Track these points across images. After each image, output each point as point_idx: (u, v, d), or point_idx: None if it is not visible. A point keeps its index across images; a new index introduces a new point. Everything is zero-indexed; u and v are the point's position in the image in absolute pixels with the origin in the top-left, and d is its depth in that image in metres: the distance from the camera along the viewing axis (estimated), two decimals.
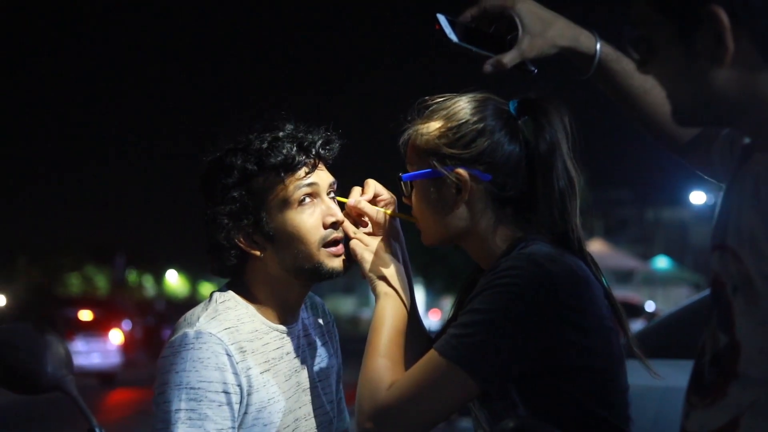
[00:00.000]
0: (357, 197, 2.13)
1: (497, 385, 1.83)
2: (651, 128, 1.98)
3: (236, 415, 2.05)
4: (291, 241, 2.12)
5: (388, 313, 1.98)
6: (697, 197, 31.96)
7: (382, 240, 2.08)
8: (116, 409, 14.04)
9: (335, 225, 2.15)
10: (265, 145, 2.13)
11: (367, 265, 2.04)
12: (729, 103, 1.55)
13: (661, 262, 39.52)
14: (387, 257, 2.05)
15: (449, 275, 21.58)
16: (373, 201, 2.14)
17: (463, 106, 1.98)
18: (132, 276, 61.87)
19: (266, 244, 2.14)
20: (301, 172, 2.14)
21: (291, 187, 2.12)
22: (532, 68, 1.96)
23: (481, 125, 1.95)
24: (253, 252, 2.15)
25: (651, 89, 1.93)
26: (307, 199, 2.14)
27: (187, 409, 2.00)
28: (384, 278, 2.03)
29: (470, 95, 2.00)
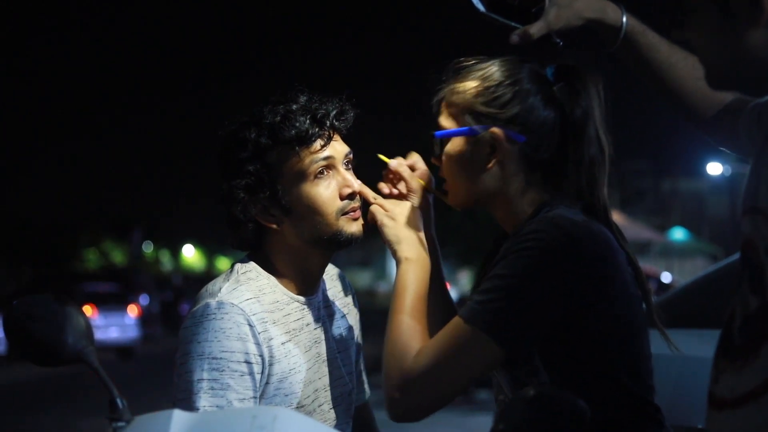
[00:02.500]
0: (400, 160, 2.13)
1: (522, 350, 1.83)
2: (675, 102, 1.98)
3: (258, 385, 2.06)
4: (308, 213, 2.12)
5: (410, 278, 1.98)
6: (714, 168, 31.83)
7: (405, 207, 2.07)
8: (134, 383, 14.15)
9: (352, 196, 2.15)
10: (278, 119, 2.12)
11: (388, 230, 2.03)
12: (765, 63, 1.55)
13: (678, 234, 39.39)
14: (408, 223, 2.04)
15: (464, 248, 21.54)
16: (411, 170, 2.13)
17: (499, 67, 1.97)
18: (149, 251, 62.09)
19: (283, 216, 2.14)
20: (317, 144, 2.13)
21: (306, 161, 2.12)
22: (558, 40, 1.95)
23: (518, 87, 1.94)
24: (270, 225, 2.15)
25: (676, 63, 1.93)
26: (324, 171, 2.14)
27: (209, 379, 2.01)
28: (404, 243, 2.02)
29: (506, 58, 1.99)
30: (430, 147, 2.03)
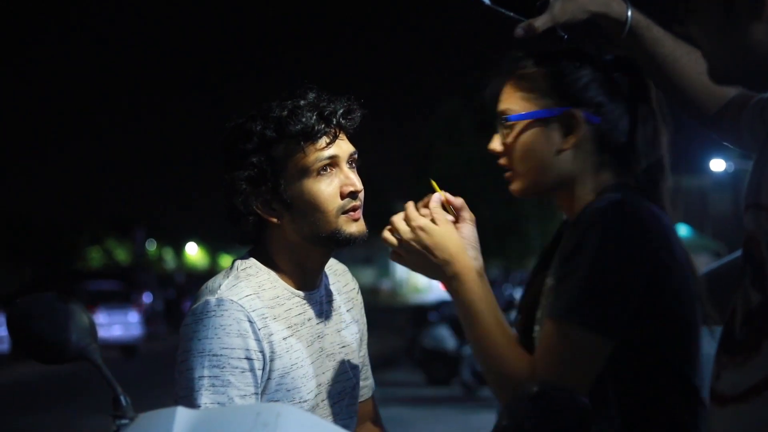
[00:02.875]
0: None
1: (620, 335, 1.81)
2: (679, 97, 1.98)
3: (259, 381, 2.06)
4: (308, 209, 2.12)
5: (476, 295, 1.92)
6: (717, 164, 31.78)
7: (446, 225, 1.98)
8: (138, 381, 14.16)
9: (353, 194, 2.15)
10: (285, 113, 2.12)
11: (431, 252, 1.94)
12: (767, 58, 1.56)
13: (681, 230, 39.38)
14: (450, 239, 1.96)
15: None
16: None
17: (564, 54, 1.98)
18: (152, 249, 62.15)
19: (283, 211, 2.14)
20: (322, 141, 2.13)
21: (311, 157, 2.12)
22: (563, 33, 1.96)
23: (588, 71, 1.96)
24: (270, 219, 2.15)
25: (680, 58, 1.93)
26: (327, 169, 2.14)
27: (210, 376, 2.01)
28: (451, 260, 1.94)
29: (568, 48, 2.00)
30: (496, 132, 2.01)
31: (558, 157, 1.96)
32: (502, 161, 2.03)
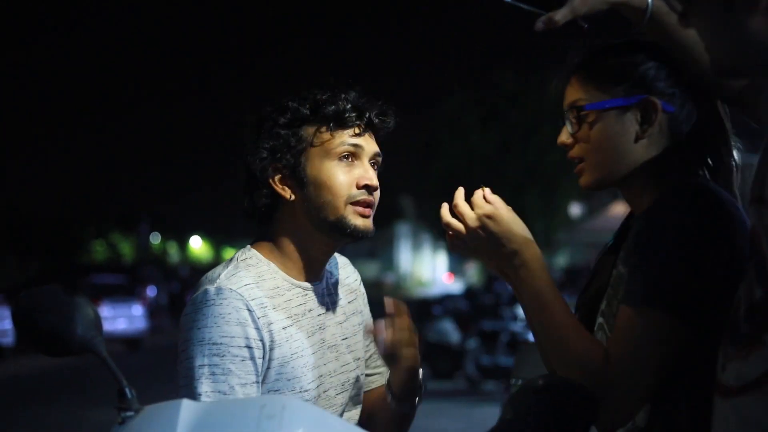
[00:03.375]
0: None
1: (700, 322, 1.78)
2: (703, 78, 1.98)
3: (259, 369, 2.08)
4: (321, 190, 2.15)
5: (546, 284, 1.91)
6: None
7: (512, 214, 1.98)
8: (142, 374, 14.18)
9: (368, 188, 2.17)
10: (324, 97, 2.18)
11: (500, 240, 1.93)
12: (767, 50, 1.56)
13: None
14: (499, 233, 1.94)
15: None
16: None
17: (631, 45, 1.98)
18: (156, 242, 62.20)
19: (297, 189, 2.17)
20: (350, 130, 2.18)
21: (336, 141, 2.16)
22: (583, 24, 1.95)
23: (656, 61, 1.95)
24: (283, 194, 2.17)
25: (702, 42, 1.93)
26: (348, 158, 2.17)
27: (210, 365, 2.03)
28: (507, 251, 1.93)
29: (630, 38, 2.00)
30: (563, 123, 1.99)
31: (634, 146, 1.94)
32: (573, 153, 2.00)
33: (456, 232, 1.96)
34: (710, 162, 1.97)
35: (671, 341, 1.78)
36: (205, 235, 73.07)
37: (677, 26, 1.91)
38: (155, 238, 61.63)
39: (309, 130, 2.17)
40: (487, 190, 1.97)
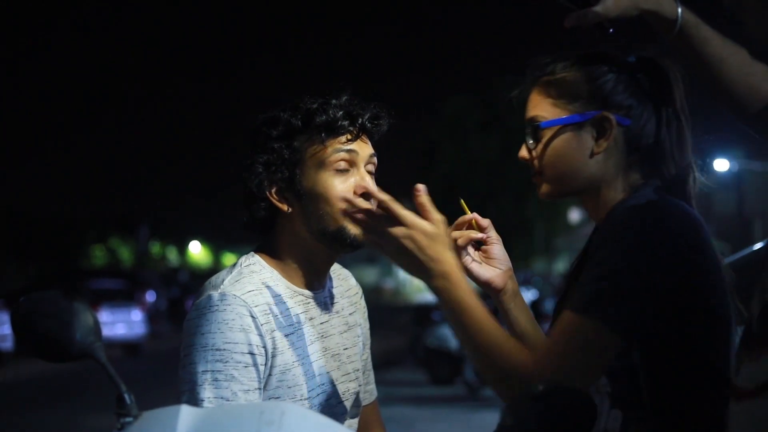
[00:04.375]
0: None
1: (635, 335, 1.81)
2: (722, 96, 1.99)
3: (262, 376, 2.07)
4: (319, 201, 2.14)
5: (466, 293, 1.89)
6: (721, 164, 31.75)
7: (440, 225, 1.94)
8: (141, 380, 14.17)
9: (365, 195, 2.14)
10: (314, 106, 2.17)
11: (422, 250, 1.89)
12: None
13: None
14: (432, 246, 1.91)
15: None
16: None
17: (590, 58, 2.00)
18: (155, 247, 62.17)
19: (295, 201, 2.17)
20: (343, 138, 2.17)
21: (330, 150, 2.15)
22: (609, 27, 1.97)
23: (615, 75, 1.98)
24: (281, 207, 2.17)
25: (727, 57, 1.95)
26: (343, 165, 2.16)
27: (213, 371, 2.02)
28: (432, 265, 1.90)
29: (592, 51, 2.02)
30: (526, 137, 2.02)
31: (590, 161, 1.97)
32: (533, 165, 2.03)
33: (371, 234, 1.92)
34: (668, 173, 1.98)
35: (601, 353, 1.80)
36: (204, 240, 73.08)
37: (703, 41, 1.93)
38: (154, 243, 61.60)
39: (302, 139, 2.17)
40: (421, 187, 1.92)
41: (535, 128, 2.00)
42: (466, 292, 1.89)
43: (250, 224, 2.23)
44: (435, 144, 37.46)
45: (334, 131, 2.16)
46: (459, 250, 2.12)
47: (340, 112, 2.16)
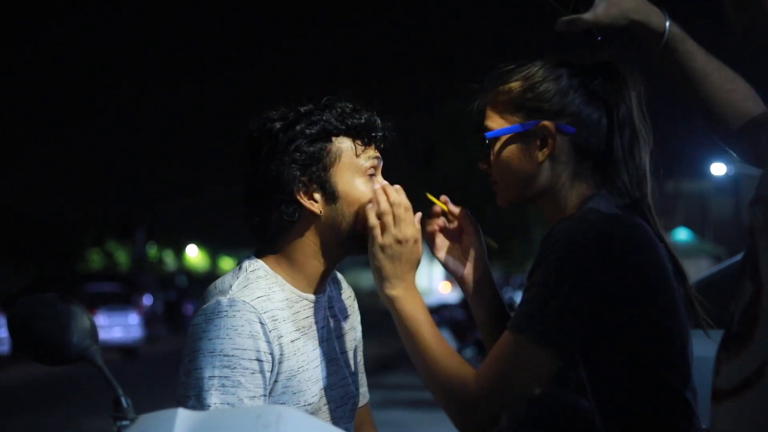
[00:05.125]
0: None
1: (572, 352, 1.84)
2: (704, 111, 2.01)
3: (268, 383, 2.06)
4: (354, 206, 2.14)
5: (420, 310, 2.03)
6: (718, 169, 31.77)
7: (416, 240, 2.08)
8: (138, 383, 14.16)
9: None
10: (348, 110, 2.16)
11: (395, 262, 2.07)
12: None
13: (682, 234, 39.33)
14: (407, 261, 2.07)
15: None
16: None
17: (540, 66, 2.02)
18: (152, 251, 62.10)
19: (324, 203, 2.14)
20: (373, 144, 2.18)
21: (363, 156, 2.16)
22: (598, 36, 1.98)
23: (562, 82, 1.99)
24: (311, 208, 2.13)
25: (711, 73, 1.97)
26: (373, 171, 2.17)
27: (220, 376, 2.01)
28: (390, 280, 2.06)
29: (545, 58, 2.04)
30: (480, 150, 2.07)
31: (537, 170, 2.00)
32: (491, 176, 2.08)
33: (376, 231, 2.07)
34: (620, 181, 2.00)
35: (538, 371, 1.84)
36: (201, 244, 73.00)
37: (689, 56, 1.95)
38: (151, 247, 61.51)
39: (336, 142, 2.15)
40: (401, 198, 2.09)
41: (484, 139, 2.05)
42: (421, 309, 2.01)
43: (260, 228, 2.18)
44: (434, 145, 37.43)
45: (369, 138, 2.16)
46: (432, 239, 2.19)
47: (373, 117, 2.17)
